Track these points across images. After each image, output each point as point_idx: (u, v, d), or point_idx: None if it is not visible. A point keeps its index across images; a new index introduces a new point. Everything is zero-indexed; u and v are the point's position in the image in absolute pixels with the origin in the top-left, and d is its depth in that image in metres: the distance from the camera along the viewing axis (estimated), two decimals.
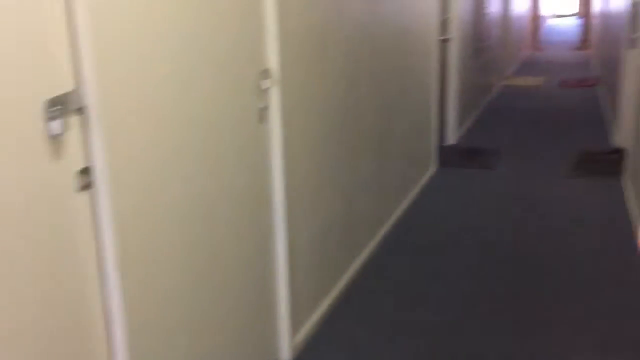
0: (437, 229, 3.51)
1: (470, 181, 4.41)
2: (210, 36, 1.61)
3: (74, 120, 1.18)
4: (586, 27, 14.61)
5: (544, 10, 21.12)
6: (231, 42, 1.72)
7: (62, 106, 1.14)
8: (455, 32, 5.13)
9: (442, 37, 4.87)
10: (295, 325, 2.28)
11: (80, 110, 1.19)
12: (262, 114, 1.93)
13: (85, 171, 1.22)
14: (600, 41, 8.99)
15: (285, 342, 2.20)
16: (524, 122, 6.36)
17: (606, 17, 7.83)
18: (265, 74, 1.91)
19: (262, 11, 1.89)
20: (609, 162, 4.54)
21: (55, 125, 1.12)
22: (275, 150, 2.01)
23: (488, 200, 3.99)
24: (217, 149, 1.68)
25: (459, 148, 5.26)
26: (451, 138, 5.44)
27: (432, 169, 4.58)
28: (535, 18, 15.66)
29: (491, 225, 3.54)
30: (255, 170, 1.92)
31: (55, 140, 1.13)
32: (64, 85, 1.15)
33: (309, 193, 2.34)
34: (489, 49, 7.17)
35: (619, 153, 4.61)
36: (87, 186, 1.23)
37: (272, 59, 1.94)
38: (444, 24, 4.96)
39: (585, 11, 16.01)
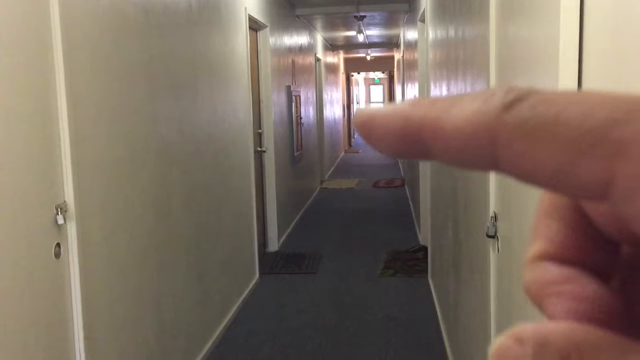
0: (261, 343, 3.50)
1: (293, 287, 4.50)
2: None
3: None
4: None
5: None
6: (21, 179, 1.65)
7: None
8: (270, 144, 5.40)
9: (258, 149, 5.09)
10: None
11: None
12: (58, 250, 1.84)
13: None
14: None
15: None
16: (342, 223, 6.74)
17: None
18: (61, 207, 1.84)
19: (56, 143, 1.84)
20: (415, 260, 4.94)
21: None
22: (74, 285, 1.91)
23: (310, 305, 4.09)
24: (7, 292, 1.55)
25: (281, 254, 5.39)
26: (274, 244, 5.56)
27: (255, 278, 4.62)
28: (349, 123, 17.04)
29: (312, 332, 3.62)
30: (51, 308, 1.80)
31: None
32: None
33: (117, 327, 2.22)
34: (305, 156, 7.61)
35: (423, 251, 5.04)
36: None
37: (68, 192, 1.88)
38: (259, 137, 5.21)
39: None
